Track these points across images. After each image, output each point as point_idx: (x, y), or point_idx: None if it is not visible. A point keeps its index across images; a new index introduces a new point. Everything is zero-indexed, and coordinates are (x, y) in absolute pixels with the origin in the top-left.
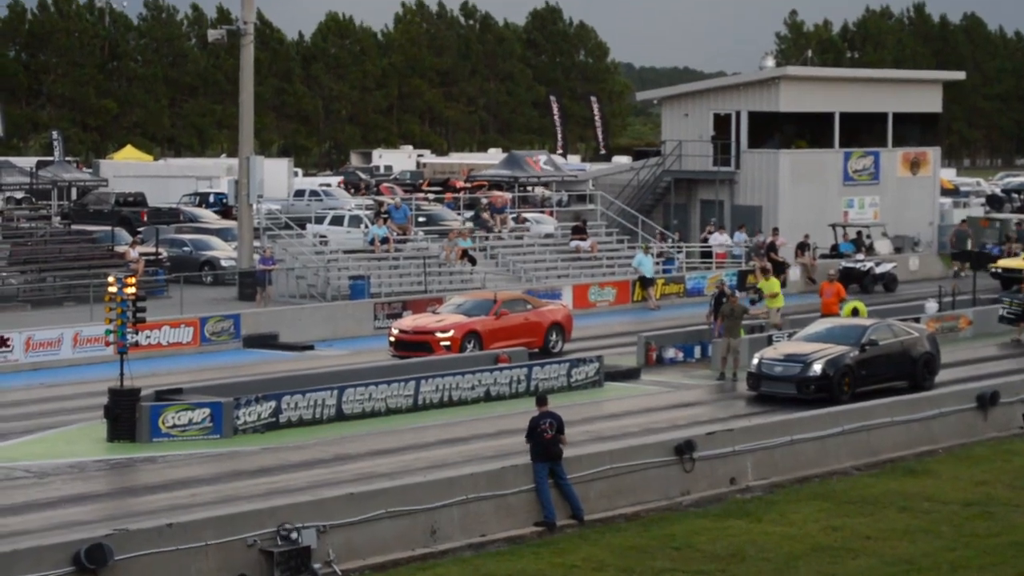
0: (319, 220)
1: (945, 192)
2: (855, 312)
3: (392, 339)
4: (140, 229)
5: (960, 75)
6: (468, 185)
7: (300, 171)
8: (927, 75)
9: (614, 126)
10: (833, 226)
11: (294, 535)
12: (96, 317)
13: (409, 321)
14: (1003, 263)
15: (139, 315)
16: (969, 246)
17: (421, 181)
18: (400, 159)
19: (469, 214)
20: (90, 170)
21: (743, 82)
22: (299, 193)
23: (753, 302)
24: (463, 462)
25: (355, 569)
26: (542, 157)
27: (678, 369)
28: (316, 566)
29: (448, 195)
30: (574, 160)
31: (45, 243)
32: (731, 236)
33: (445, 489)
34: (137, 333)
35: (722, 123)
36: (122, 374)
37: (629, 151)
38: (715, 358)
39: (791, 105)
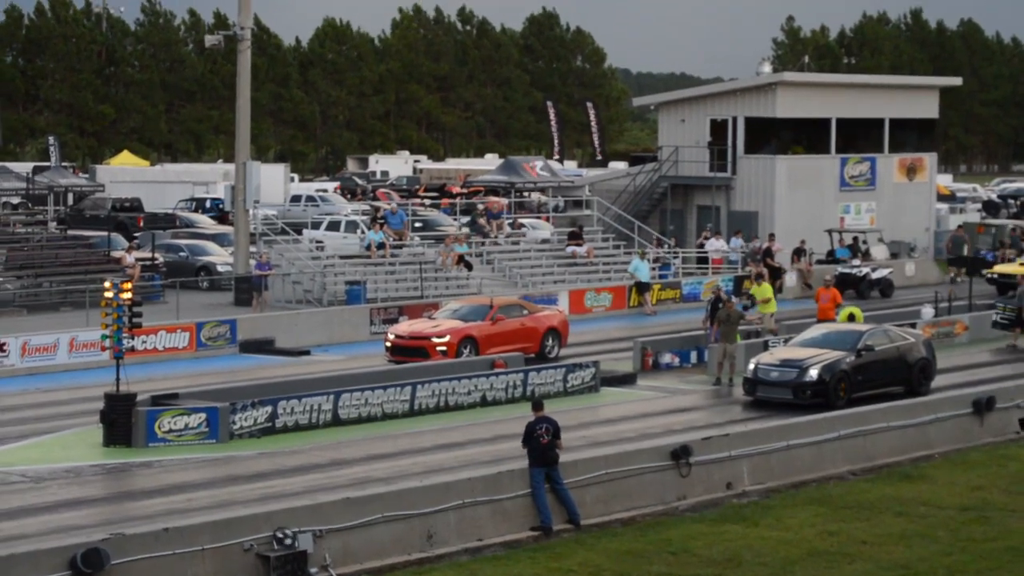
0: (315, 225)
1: (941, 198)
2: (851, 317)
3: (388, 344)
4: (136, 234)
5: (957, 81)
6: (465, 191)
7: (297, 176)
8: (924, 81)
9: (611, 131)
10: (829, 232)
11: (290, 539)
12: (92, 322)
13: (405, 326)
14: (999, 269)
15: (135, 320)
16: (966, 252)
17: (418, 187)
18: (397, 165)
19: (465, 219)
20: (86, 175)
21: (740, 88)
22: (295, 198)
23: (746, 308)
24: (459, 467)
25: (351, 573)
26: (538, 163)
27: (674, 374)
28: (312, 570)
29: (444, 201)
30: (571, 166)
31: (41, 248)
32: (727, 242)
33: (441, 494)
34: (133, 338)
35: (719, 129)
36: (118, 379)
37: (626, 156)
38: (711, 363)
39: (788, 111)
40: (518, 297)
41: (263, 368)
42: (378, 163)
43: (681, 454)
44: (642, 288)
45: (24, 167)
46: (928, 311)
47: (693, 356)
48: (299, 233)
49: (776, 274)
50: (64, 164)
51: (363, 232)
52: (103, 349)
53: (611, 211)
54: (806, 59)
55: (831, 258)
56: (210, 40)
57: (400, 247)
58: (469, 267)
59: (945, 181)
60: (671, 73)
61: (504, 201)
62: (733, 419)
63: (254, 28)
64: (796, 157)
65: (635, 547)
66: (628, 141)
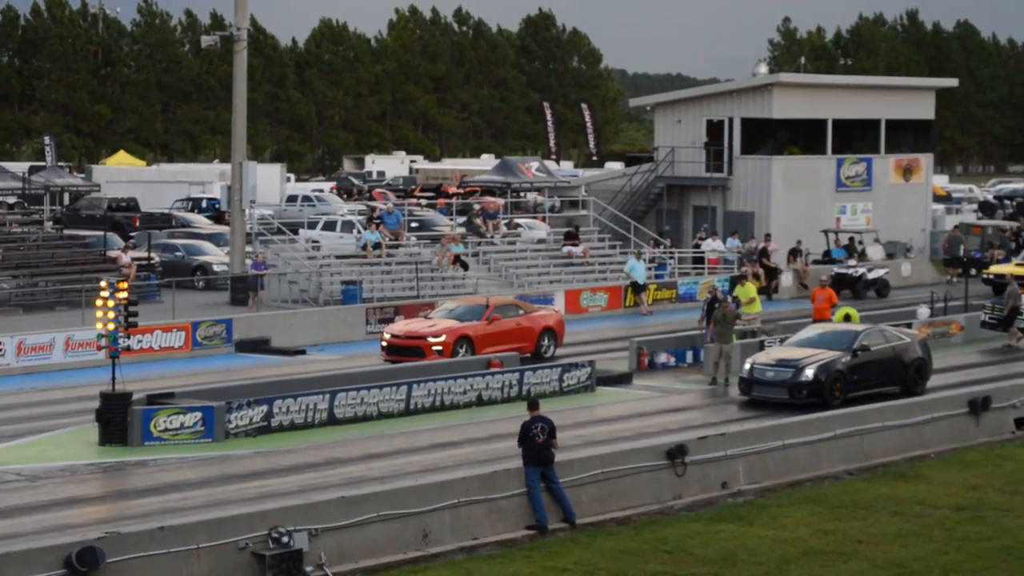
0: (312, 225)
1: (937, 199)
2: (847, 318)
3: (384, 344)
4: (132, 234)
5: (953, 82)
6: (461, 191)
7: (293, 176)
8: (920, 82)
9: (607, 132)
10: (825, 232)
11: (286, 538)
12: (88, 321)
13: (401, 326)
14: (995, 269)
15: (131, 319)
16: (962, 252)
17: (414, 187)
18: (393, 165)
19: (462, 219)
20: (83, 175)
21: (736, 89)
22: (292, 198)
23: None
24: (455, 466)
25: (346, 572)
26: (534, 163)
27: (670, 374)
28: (308, 569)
29: (441, 201)
30: (567, 166)
31: (37, 248)
32: (724, 242)
33: (437, 493)
34: (129, 337)
35: (715, 129)
36: (114, 378)
37: (622, 157)
38: (707, 363)
39: (784, 112)
40: (514, 297)
41: (259, 367)
42: (374, 163)
43: (677, 453)
44: (638, 288)
45: (20, 167)
46: (924, 311)
47: (689, 356)
48: (295, 233)
49: (772, 274)
50: (60, 164)
51: (359, 232)
52: (99, 348)
53: (607, 211)
54: (802, 60)
55: (827, 258)
56: (206, 41)
57: (396, 247)
58: (465, 267)
59: (941, 182)
60: (667, 74)
61: (500, 201)
62: (729, 419)
63: (250, 29)
64: (792, 158)
65: (631, 546)
66: (624, 142)
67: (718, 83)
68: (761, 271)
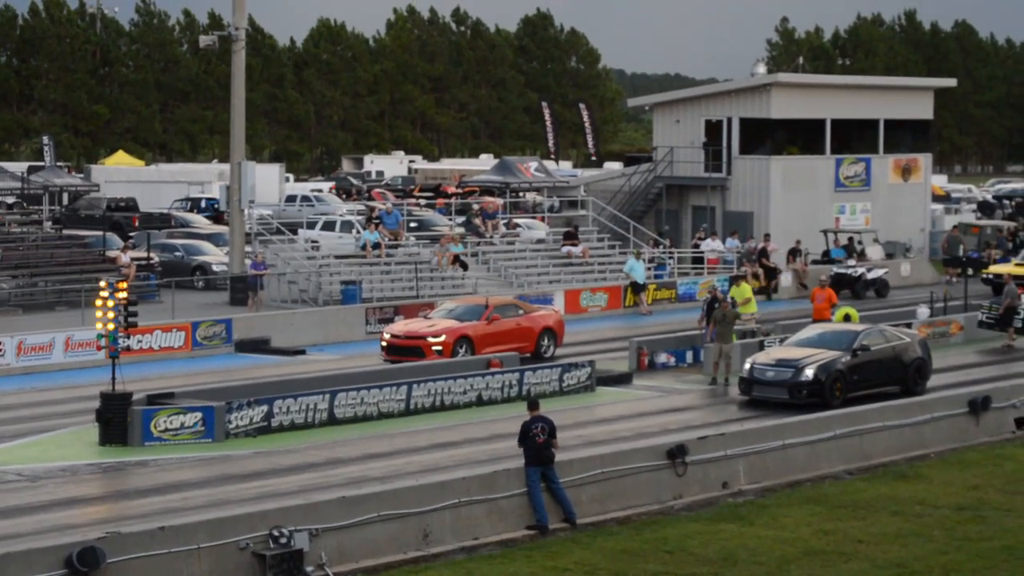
0: (311, 225)
1: (936, 198)
2: (847, 318)
3: (384, 344)
4: (132, 234)
5: (951, 82)
6: (460, 191)
7: (292, 176)
8: (918, 82)
9: (606, 132)
10: (824, 232)
11: (286, 538)
12: (88, 321)
13: (401, 326)
14: (994, 269)
15: (131, 319)
16: (962, 252)
17: (413, 187)
18: (392, 165)
19: (461, 219)
20: (81, 175)
21: (734, 89)
22: (291, 198)
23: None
24: (455, 466)
25: (347, 572)
26: (533, 163)
27: (670, 374)
28: (308, 569)
29: (439, 201)
30: (566, 166)
31: (37, 248)
32: (723, 242)
33: (437, 493)
34: (129, 337)
35: (713, 129)
36: (114, 378)
37: (621, 157)
38: (707, 363)
39: (782, 112)
40: (514, 297)
41: (259, 367)
42: (373, 163)
43: (677, 453)
44: (637, 288)
45: (19, 167)
46: (923, 311)
47: (689, 356)
48: (294, 233)
49: (771, 274)
50: (59, 164)
51: (358, 232)
52: (99, 348)
53: (606, 211)
54: (800, 60)
55: (826, 258)
56: (205, 40)
57: (395, 247)
58: (464, 267)
59: (940, 182)
60: (666, 74)
61: (499, 201)
62: (729, 418)
63: (249, 28)
64: (791, 158)
65: (631, 546)
66: (623, 142)
67: (716, 83)
68: (760, 271)
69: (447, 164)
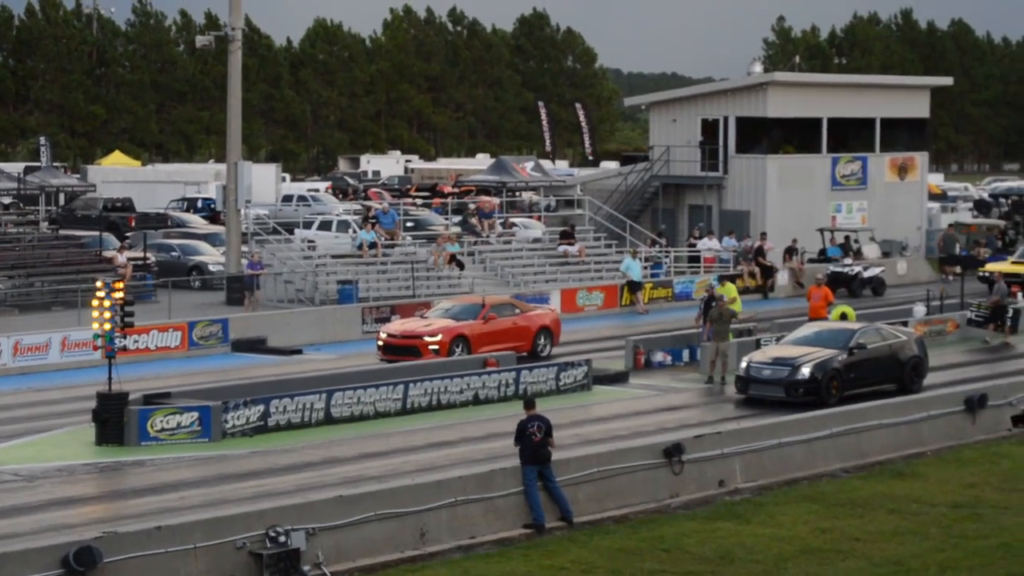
0: (307, 225)
1: (933, 197)
2: (843, 316)
3: (380, 343)
4: (128, 234)
5: (948, 81)
6: (456, 190)
7: (288, 176)
8: (915, 81)
9: (602, 131)
10: (821, 231)
11: (283, 537)
12: (84, 322)
13: (397, 325)
14: (991, 267)
15: (127, 320)
16: (957, 250)
17: (409, 186)
18: (388, 164)
19: (457, 219)
20: (78, 175)
21: (731, 88)
22: (287, 198)
23: None
24: (452, 465)
25: (344, 571)
26: (530, 163)
27: (666, 373)
28: (305, 568)
29: (436, 200)
30: (562, 165)
31: (33, 248)
32: (720, 241)
33: (434, 492)
34: (125, 337)
35: (710, 128)
36: (110, 378)
37: (617, 156)
38: (703, 362)
39: (779, 111)
40: (510, 296)
41: (255, 367)
42: (369, 163)
43: (673, 452)
44: (634, 287)
45: (15, 167)
46: (920, 309)
47: (685, 354)
48: (291, 233)
49: (768, 273)
50: (55, 164)
51: (355, 231)
52: (95, 348)
53: (603, 210)
54: (797, 59)
55: (823, 257)
56: (201, 40)
57: (392, 246)
58: (461, 266)
59: (936, 180)
60: (662, 73)
61: (496, 200)
62: (725, 417)
63: (245, 28)
64: (787, 156)
65: (628, 544)
66: (619, 141)
67: (713, 82)
68: (757, 270)
69: (443, 164)
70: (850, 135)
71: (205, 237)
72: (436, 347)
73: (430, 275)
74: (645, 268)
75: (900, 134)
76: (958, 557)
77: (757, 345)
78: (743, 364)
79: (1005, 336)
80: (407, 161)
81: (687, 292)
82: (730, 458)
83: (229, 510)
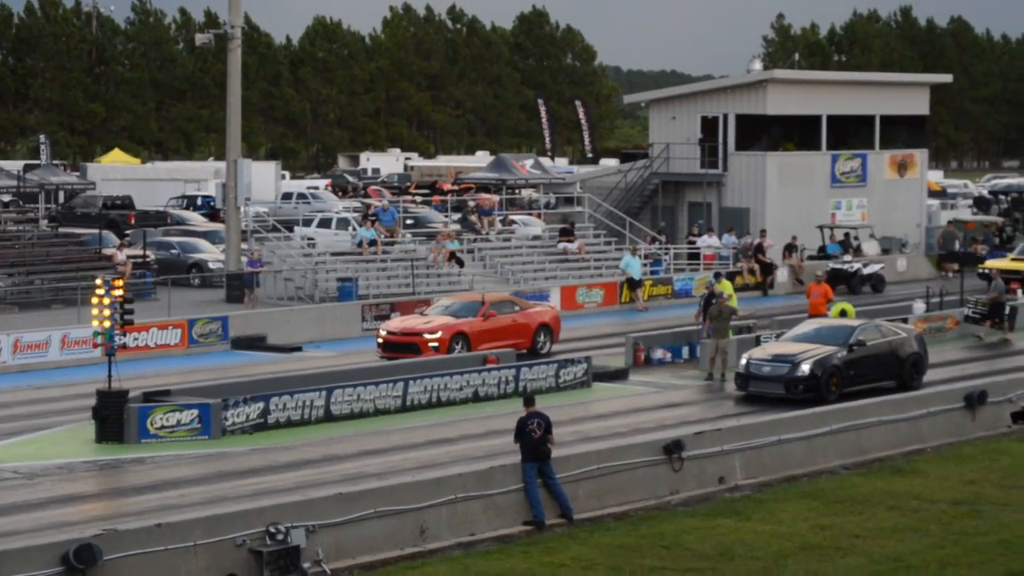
0: (307, 223)
1: (932, 194)
2: (843, 313)
3: (380, 340)
4: (128, 232)
5: (947, 78)
6: (456, 188)
7: (288, 174)
8: (914, 78)
9: (602, 129)
10: (821, 228)
11: (283, 535)
12: (84, 319)
13: (397, 323)
14: (990, 264)
15: (127, 317)
16: (957, 247)
17: (409, 184)
18: (388, 162)
19: (457, 216)
20: (77, 173)
21: (730, 85)
22: (287, 196)
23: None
24: (452, 462)
25: (344, 568)
26: (529, 160)
27: (666, 370)
28: (305, 565)
29: (436, 198)
30: (562, 163)
31: (33, 246)
32: (719, 238)
33: (434, 489)
34: (125, 335)
35: (709, 126)
36: (110, 376)
37: (617, 154)
38: (703, 359)
39: (778, 108)
40: (510, 293)
41: (255, 364)
42: (369, 160)
43: (673, 449)
44: (633, 284)
45: (15, 165)
46: (919, 306)
47: (685, 351)
48: (290, 230)
49: (768, 270)
50: (55, 162)
51: (354, 229)
52: (95, 346)
53: (602, 208)
54: (796, 56)
55: (822, 254)
56: (200, 39)
57: (391, 244)
58: (461, 264)
59: (936, 177)
60: (662, 70)
61: (496, 198)
62: (725, 414)
63: (244, 26)
64: (787, 154)
65: (628, 541)
66: (619, 138)
67: (712, 79)
68: (757, 267)
69: (443, 161)
70: (850, 132)
71: (205, 235)
72: (436, 344)
73: (430, 272)
74: (645, 265)
75: (900, 131)
76: (958, 554)
77: (757, 342)
78: (743, 361)
79: (1004, 333)
80: (407, 159)
81: (687, 289)
82: (730, 455)
83: (229, 507)
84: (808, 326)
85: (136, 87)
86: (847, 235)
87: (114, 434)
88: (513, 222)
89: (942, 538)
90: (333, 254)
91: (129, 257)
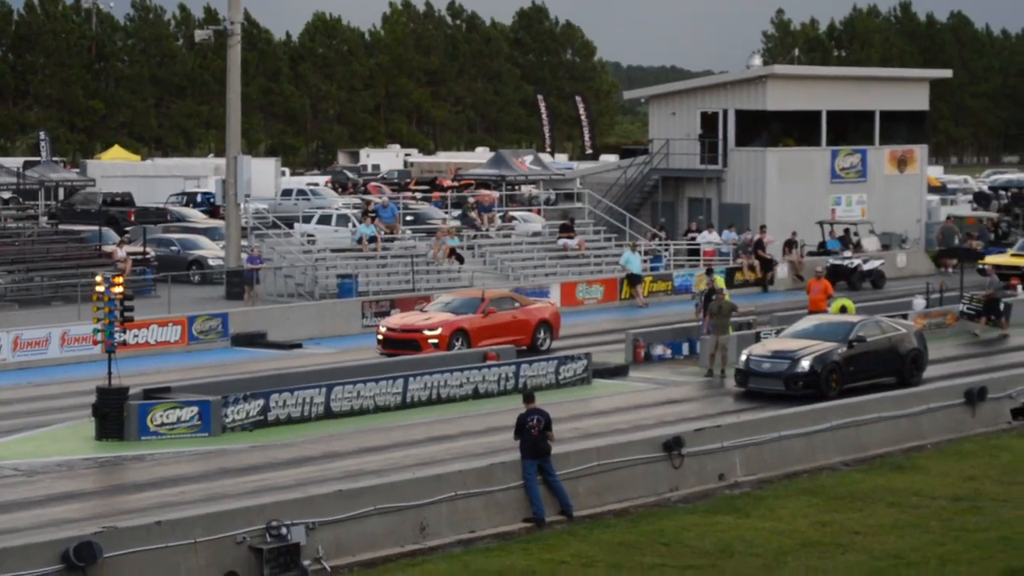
0: (307, 219)
1: (932, 190)
2: (843, 309)
3: (380, 337)
4: (128, 229)
5: (947, 73)
6: (456, 184)
7: (287, 170)
8: (914, 73)
9: (602, 125)
10: (820, 223)
11: (283, 532)
12: (84, 316)
13: (397, 319)
14: (990, 260)
15: (127, 314)
16: (956, 243)
17: (409, 180)
18: (388, 158)
19: (457, 213)
20: (77, 170)
21: (730, 81)
22: (287, 192)
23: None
24: (452, 459)
25: (344, 565)
26: (529, 156)
27: (666, 366)
28: (305, 563)
29: (435, 194)
30: (562, 159)
31: (33, 243)
32: (719, 234)
33: (434, 486)
34: (125, 332)
35: (709, 121)
36: (110, 373)
37: (616, 149)
38: (703, 355)
39: (778, 103)
40: (510, 290)
41: (255, 361)
42: (369, 157)
43: (673, 445)
44: (633, 280)
45: (15, 162)
46: (919, 302)
47: (685, 348)
48: (290, 227)
49: (768, 266)
50: (55, 159)
51: (354, 225)
52: (95, 343)
53: (602, 204)
54: (796, 52)
55: (822, 250)
56: (200, 35)
57: (391, 240)
58: (460, 260)
59: (936, 173)
60: (661, 66)
61: (495, 194)
62: (725, 410)
63: (244, 23)
64: (787, 149)
65: (628, 538)
66: (619, 134)
67: (712, 75)
68: (757, 263)
69: (443, 157)
70: (849, 128)
71: (205, 231)
72: (436, 341)
73: (430, 269)
74: (645, 261)
75: (899, 127)
76: (958, 550)
77: (757, 338)
78: (743, 357)
79: (1003, 329)
80: (406, 155)
81: (687, 285)
82: (730, 451)
83: (229, 505)
84: (808, 322)
85: (136, 83)
86: (847, 231)
87: (114, 431)
88: (513, 218)
89: (942, 534)
90: (333, 250)
91: (129, 254)
